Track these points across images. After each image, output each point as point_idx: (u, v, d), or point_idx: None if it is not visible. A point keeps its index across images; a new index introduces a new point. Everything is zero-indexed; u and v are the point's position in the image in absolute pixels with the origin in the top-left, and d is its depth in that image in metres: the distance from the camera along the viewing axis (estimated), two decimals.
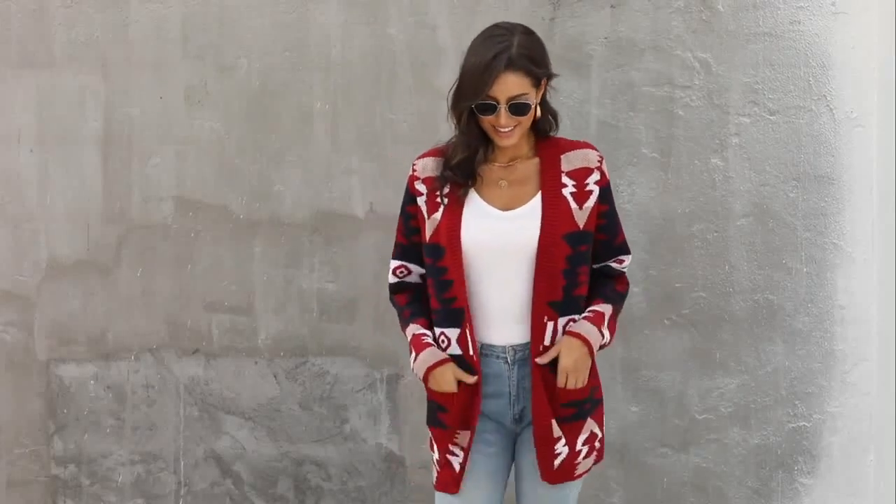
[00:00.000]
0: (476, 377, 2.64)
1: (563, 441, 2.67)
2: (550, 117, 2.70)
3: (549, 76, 2.64)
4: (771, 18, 3.67)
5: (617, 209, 2.75)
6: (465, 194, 2.65)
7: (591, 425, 2.72)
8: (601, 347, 2.69)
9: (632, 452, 3.76)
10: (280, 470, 3.85)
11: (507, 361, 2.66)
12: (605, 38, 3.68)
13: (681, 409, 3.75)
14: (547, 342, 2.63)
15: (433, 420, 2.75)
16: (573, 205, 2.63)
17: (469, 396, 2.66)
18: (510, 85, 2.54)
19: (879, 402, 3.71)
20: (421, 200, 2.69)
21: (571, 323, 2.65)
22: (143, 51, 3.80)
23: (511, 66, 2.53)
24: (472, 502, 2.70)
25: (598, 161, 2.69)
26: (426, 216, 2.67)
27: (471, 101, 2.56)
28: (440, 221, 2.64)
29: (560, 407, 2.66)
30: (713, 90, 3.68)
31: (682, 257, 3.72)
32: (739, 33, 3.67)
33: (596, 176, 2.67)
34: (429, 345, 2.68)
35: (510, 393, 2.67)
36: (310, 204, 3.79)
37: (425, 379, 2.67)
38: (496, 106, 2.55)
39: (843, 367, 3.73)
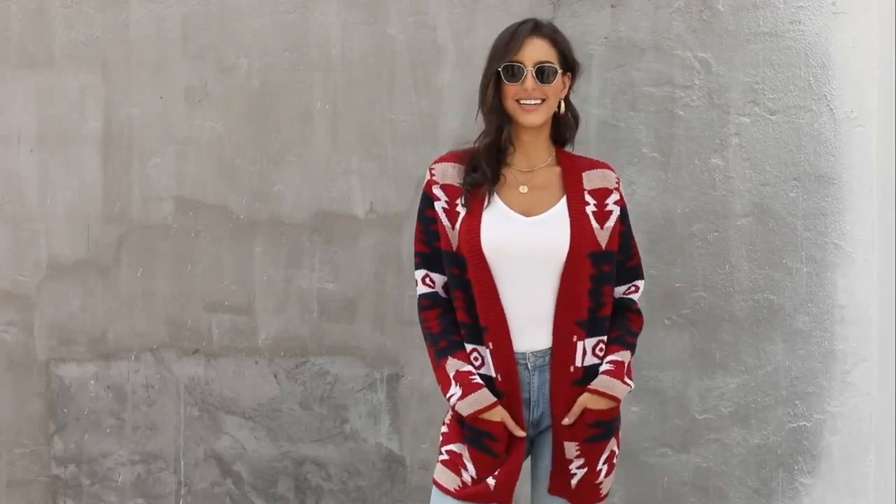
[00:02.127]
0: (524, 434, 2.61)
1: (577, 463, 2.64)
2: (571, 118, 2.70)
3: (575, 67, 2.66)
4: (771, 18, 3.67)
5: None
6: (488, 195, 2.61)
7: (612, 444, 2.69)
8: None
9: (632, 452, 3.75)
10: (280, 470, 3.85)
11: (527, 367, 2.62)
12: (605, 38, 3.68)
13: (681, 409, 3.75)
14: (579, 363, 2.61)
15: (480, 446, 2.61)
16: (594, 223, 2.62)
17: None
18: (537, 49, 2.58)
19: (879, 402, 3.71)
20: (439, 206, 2.64)
21: (603, 365, 2.63)
22: (143, 51, 3.80)
23: (538, 31, 2.60)
24: None
25: (617, 182, 2.70)
26: (448, 224, 2.63)
27: (497, 65, 2.58)
28: (461, 230, 2.61)
29: (586, 427, 2.62)
30: (713, 90, 3.68)
31: (682, 257, 3.72)
32: (739, 33, 3.67)
33: (615, 196, 2.67)
34: (479, 386, 2.59)
35: (530, 398, 2.63)
36: (310, 204, 3.79)
37: (470, 418, 2.61)
38: (523, 69, 2.56)
39: (843, 367, 3.73)
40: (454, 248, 2.62)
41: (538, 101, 2.58)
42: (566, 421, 2.61)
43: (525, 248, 2.58)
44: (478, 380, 2.60)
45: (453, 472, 2.64)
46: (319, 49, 3.76)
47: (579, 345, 2.61)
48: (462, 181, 2.64)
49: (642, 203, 3.69)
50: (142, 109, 3.82)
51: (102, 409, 3.89)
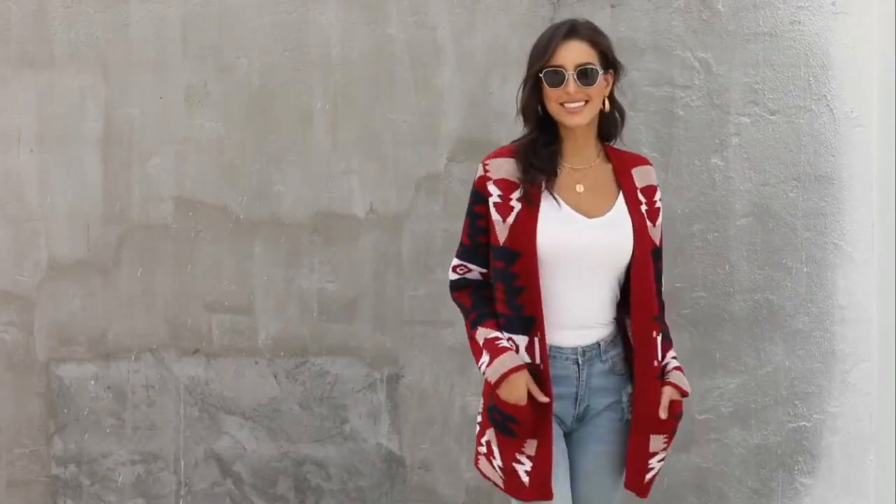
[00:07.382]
0: (548, 399, 2.60)
1: (660, 456, 2.68)
2: (617, 114, 2.71)
3: (617, 65, 2.66)
4: (771, 18, 3.67)
5: None
6: (545, 191, 2.62)
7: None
8: None
9: None
10: (280, 470, 3.85)
11: (576, 363, 2.65)
12: None
13: None
14: (661, 358, 2.67)
15: (502, 427, 2.64)
16: (648, 222, 2.66)
17: (541, 407, 2.60)
18: (576, 51, 2.58)
19: (879, 402, 3.71)
20: (491, 201, 2.64)
21: (674, 369, 2.70)
22: (143, 51, 3.80)
23: (575, 33, 2.59)
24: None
25: (656, 179, 2.75)
26: (499, 219, 2.62)
27: (538, 70, 2.59)
28: (514, 225, 2.60)
29: (673, 419, 2.67)
30: (713, 90, 3.68)
31: (682, 257, 3.72)
32: (739, 33, 3.67)
33: (659, 193, 2.73)
34: (505, 349, 2.61)
35: (577, 393, 2.65)
36: (310, 204, 3.79)
37: (497, 384, 2.59)
38: (564, 73, 2.57)
39: (843, 367, 3.73)
40: (501, 242, 2.61)
41: (581, 103, 2.59)
42: (663, 415, 2.64)
43: (587, 249, 2.60)
44: (504, 344, 2.62)
45: (489, 463, 2.68)
46: (319, 49, 3.76)
47: (658, 339, 2.66)
48: (520, 176, 2.63)
49: None
50: (142, 109, 3.82)
51: (102, 409, 3.89)
